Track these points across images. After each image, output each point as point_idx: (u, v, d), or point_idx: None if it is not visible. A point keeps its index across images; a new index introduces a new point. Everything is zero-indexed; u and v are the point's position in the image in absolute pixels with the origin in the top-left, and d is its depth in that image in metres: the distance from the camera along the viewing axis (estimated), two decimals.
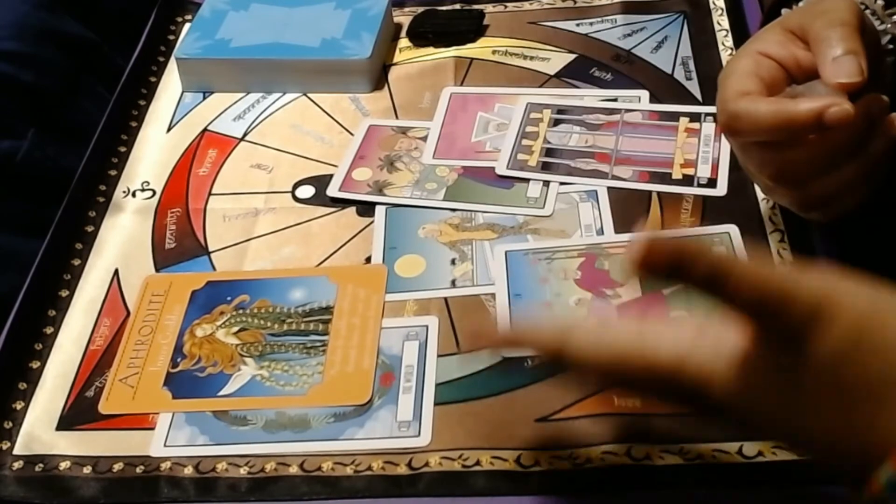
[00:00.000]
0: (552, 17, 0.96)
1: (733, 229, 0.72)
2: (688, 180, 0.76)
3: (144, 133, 0.87)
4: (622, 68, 0.89)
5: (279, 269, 0.74)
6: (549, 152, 0.80)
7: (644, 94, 0.85)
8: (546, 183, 0.77)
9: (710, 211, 0.74)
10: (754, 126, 0.57)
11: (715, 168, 0.77)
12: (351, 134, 0.85)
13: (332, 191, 0.79)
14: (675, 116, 0.82)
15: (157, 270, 0.74)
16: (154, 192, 0.81)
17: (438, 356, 0.66)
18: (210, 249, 0.76)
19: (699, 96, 0.84)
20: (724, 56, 0.88)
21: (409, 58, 0.93)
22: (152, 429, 0.64)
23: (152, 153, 0.85)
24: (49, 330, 0.70)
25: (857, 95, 0.55)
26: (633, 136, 0.81)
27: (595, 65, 0.89)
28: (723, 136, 0.77)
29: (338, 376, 0.65)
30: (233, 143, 0.85)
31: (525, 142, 0.81)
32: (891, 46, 0.62)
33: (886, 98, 0.56)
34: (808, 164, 0.58)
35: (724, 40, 0.90)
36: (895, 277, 0.41)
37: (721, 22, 0.92)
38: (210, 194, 0.80)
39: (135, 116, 0.89)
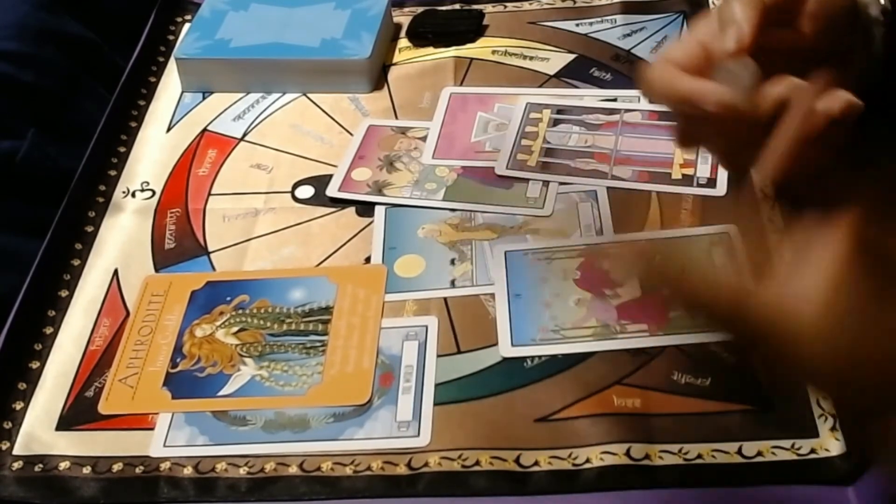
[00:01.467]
0: (552, 17, 0.96)
1: (733, 229, 0.71)
2: (687, 180, 0.76)
3: (144, 133, 0.87)
4: (622, 68, 0.89)
5: (279, 269, 0.74)
6: (549, 152, 0.80)
7: None
8: (545, 183, 0.77)
9: (709, 211, 0.74)
10: (658, 88, 0.51)
11: (714, 168, 0.77)
12: (350, 134, 0.85)
13: (332, 191, 0.79)
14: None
15: (157, 270, 0.74)
16: (154, 192, 0.81)
17: (438, 356, 0.66)
18: (210, 249, 0.76)
19: None
20: None
21: (409, 58, 0.93)
22: (152, 429, 0.64)
23: (152, 153, 0.85)
24: (49, 330, 0.70)
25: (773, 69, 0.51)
26: (633, 136, 0.81)
27: (595, 65, 0.89)
28: None
29: (337, 376, 0.65)
30: (232, 143, 0.85)
31: (525, 142, 0.81)
32: (881, 18, 0.61)
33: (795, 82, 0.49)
34: (728, 142, 0.52)
35: None
36: None
37: None
38: (210, 194, 0.80)
39: (135, 116, 0.89)
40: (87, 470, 0.62)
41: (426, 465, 0.60)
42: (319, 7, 0.93)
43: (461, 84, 0.89)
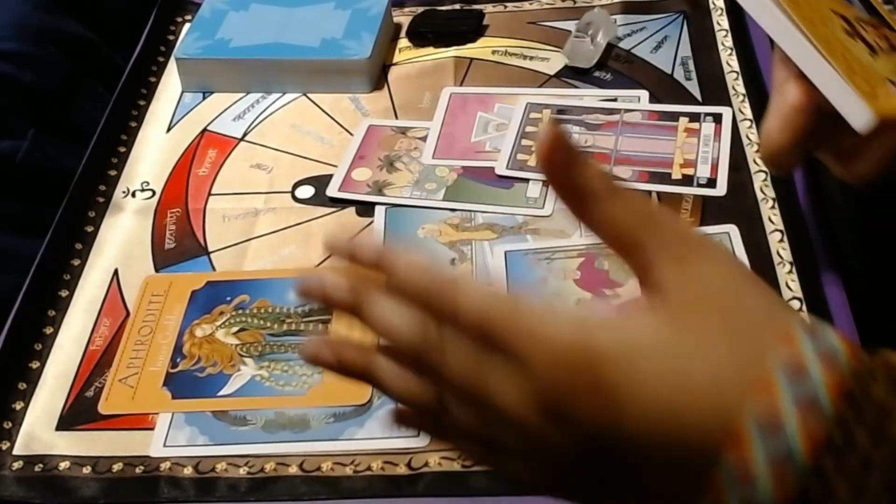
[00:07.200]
0: (552, 17, 0.96)
1: (733, 229, 0.72)
2: (687, 180, 0.76)
3: (144, 133, 0.87)
4: (622, 68, 0.89)
5: (279, 269, 0.74)
6: None
7: (644, 94, 0.85)
8: (546, 183, 0.77)
9: (709, 211, 0.74)
10: None
11: (714, 168, 0.77)
12: (351, 134, 0.85)
13: (332, 191, 0.79)
14: (674, 116, 0.82)
15: (157, 270, 0.74)
16: (154, 192, 0.81)
17: None
18: (210, 249, 0.76)
19: (699, 96, 0.84)
20: (724, 56, 0.88)
21: (409, 58, 0.93)
22: (152, 429, 0.64)
23: (152, 153, 0.85)
24: (49, 330, 0.70)
25: None
26: (633, 136, 0.81)
27: (595, 65, 0.89)
28: (721, 136, 0.77)
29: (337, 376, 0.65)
30: (232, 143, 0.85)
31: (525, 142, 0.81)
32: None
33: None
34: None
35: (724, 40, 0.90)
36: None
37: (721, 22, 0.92)
38: (210, 194, 0.80)
39: (135, 116, 0.89)
40: (87, 470, 0.62)
41: (426, 465, 0.60)
42: (319, 7, 0.93)
43: (461, 84, 0.89)
